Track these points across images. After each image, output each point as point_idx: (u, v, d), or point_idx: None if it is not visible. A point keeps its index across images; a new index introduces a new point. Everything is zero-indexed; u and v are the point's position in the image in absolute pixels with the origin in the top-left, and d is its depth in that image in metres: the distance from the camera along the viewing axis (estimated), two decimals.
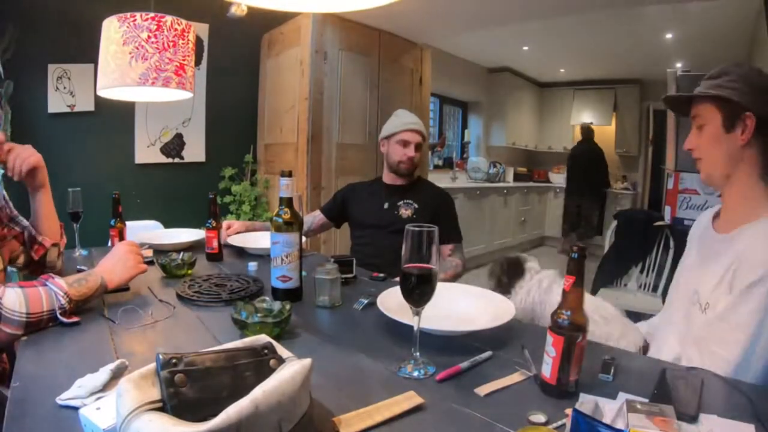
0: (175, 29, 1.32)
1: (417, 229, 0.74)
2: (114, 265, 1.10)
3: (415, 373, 0.78)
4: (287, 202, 1.10)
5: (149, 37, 1.27)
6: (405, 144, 1.83)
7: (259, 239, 1.70)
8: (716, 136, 0.93)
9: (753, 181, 0.92)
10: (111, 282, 1.06)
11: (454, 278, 1.68)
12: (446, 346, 0.90)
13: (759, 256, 0.85)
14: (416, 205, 1.81)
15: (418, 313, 0.79)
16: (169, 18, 1.31)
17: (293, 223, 1.09)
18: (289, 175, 1.11)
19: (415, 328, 0.80)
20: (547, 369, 0.72)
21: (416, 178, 1.93)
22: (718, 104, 0.92)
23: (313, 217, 1.98)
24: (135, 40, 1.26)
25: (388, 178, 1.92)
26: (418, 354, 0.80)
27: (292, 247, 1.09)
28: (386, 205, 1.84)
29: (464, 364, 0.80)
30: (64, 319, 0.92)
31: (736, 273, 0.87)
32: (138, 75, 1.27)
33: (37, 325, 0.90)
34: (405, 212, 1.80)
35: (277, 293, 1.11)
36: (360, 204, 1.91)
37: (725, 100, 0.90)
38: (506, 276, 1.19)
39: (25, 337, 0.88)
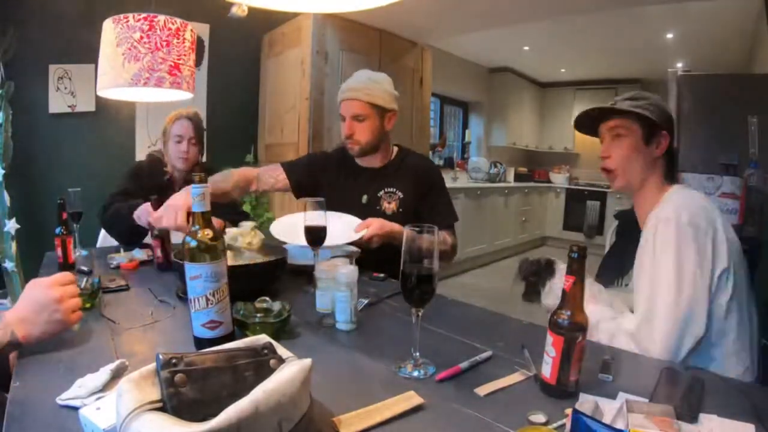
0: (169, 28, 1.32)
1: (417, 229, 0.75)
2: (32, 313, 0.77)
3: (415, 373, 0.78)
4: (204, 218, 0.82)
5: (141, 37, 1.27)
6: (342, 119, 1.49)
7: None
8: (637, 146, 1.08)
9: (661, 183, 1.10)
10: (26, 337, 0.75)
11: (442, 257, 1.46)
12: (446, 346, 0.90)
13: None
14: (400, 194, 1.53)
15: (417, 313, 0.79)
16: (161, 17, 1.31)
17: (217, 247, 0.81)
18: (203, 181, 0.81)
19: (415, 328, 0.80)
20: (547, 369, 0.72)
21: (396, 158, 1.58)
22: (640, 121, 1.07)
23: (270, 172, 1.61)
24: (128, 41, 1.27)
25: (362, 160, 1.58)
26: (418, 354, 0.80)
27: (219, 281, 0.81)
28: (365, 199, 1.54)
29: (464, 364, 0.79)
30: None
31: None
32: (131, 76, 1.27)
33: None
34: (389, 206, 1.52)
35: (201, 344, 0.80)
36: (335, 193, 1.52)
37: (647, 119, 1.06)
38: (536, 276, 1.22)
39: None
